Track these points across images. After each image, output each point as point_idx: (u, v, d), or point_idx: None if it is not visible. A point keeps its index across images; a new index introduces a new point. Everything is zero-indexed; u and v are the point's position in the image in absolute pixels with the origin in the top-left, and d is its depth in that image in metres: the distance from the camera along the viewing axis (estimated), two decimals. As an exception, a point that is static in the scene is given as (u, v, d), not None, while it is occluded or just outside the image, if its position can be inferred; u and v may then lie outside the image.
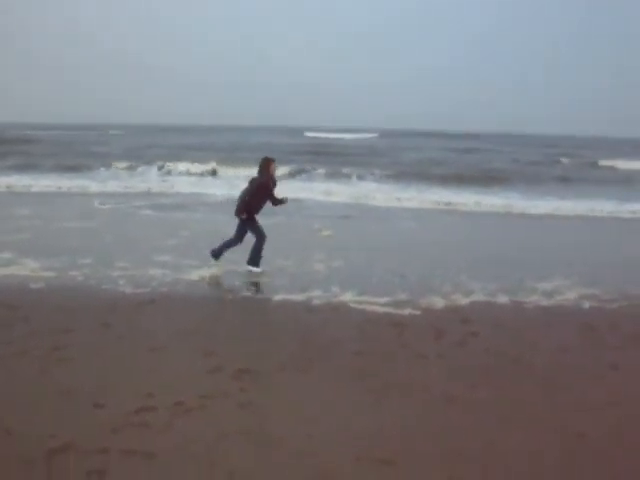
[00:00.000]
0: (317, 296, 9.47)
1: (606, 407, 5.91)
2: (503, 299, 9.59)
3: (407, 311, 8.79)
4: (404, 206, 21.70)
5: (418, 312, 8.77)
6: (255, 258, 11.19)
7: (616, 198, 24.54)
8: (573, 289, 10.26)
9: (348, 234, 15.41)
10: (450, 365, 6.86)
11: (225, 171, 32.90)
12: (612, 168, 42.70)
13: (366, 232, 15.87)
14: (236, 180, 25.76)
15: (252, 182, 11.39)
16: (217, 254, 11.46)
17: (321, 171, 33.36)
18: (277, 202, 11.43)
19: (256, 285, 10.11)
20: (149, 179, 29.34)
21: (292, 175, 31.76)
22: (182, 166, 33.84)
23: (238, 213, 11.22)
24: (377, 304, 9.08)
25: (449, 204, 22.30)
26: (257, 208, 11.32)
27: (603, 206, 22.12)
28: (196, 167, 33.78)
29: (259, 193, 11.20)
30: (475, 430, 5.35)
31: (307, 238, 12.21)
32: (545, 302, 9.55)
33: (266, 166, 11.32)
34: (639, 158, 49.02)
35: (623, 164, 44.21)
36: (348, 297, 9.43)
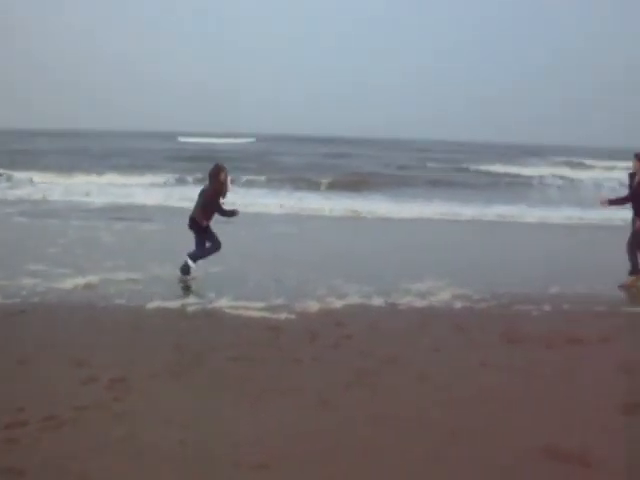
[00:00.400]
0: (192, 303, 9.39)
1: (477, 403, 6.11)
2: (377, 301, 9.76)
3: (282, 315, 8.82)
4: (273, 212, 21.63)
5: (293, 316, 8.82)
6: (198, 256, 11.05)
7: (484, 201, 25.43)
8: (445, 290, 10.54)
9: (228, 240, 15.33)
10: (325, 368, 6.94)
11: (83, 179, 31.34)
12: (484, 172, 43.88)
13: (240, 238, 15.80)
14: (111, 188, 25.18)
15: (201, 193, 11.20)
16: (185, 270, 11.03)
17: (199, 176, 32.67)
18: (226, 213, 11.30)
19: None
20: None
21: (171, 184, 30.90)
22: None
23: (198, 221, 11.00)
24: (253, 309, 9.07)
25: (318, 210, 22.40)
26: (208, 217, 11.11)
27: (471, 209, 22.80)
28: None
29: (211, 202, 11.04)
30: (350, 431, 5.42)
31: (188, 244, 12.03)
32: (418, 303, 9.78)
33: (216, 174, 11.12)
34: (513, 163, 50.86)
35: (496, 168, 45.48)
36: (224, 303, 9.38)
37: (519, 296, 10.34)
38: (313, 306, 9.36)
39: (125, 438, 5.16)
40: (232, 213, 11.35)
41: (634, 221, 11.62)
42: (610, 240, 12.16)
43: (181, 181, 31.99)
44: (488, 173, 43.60)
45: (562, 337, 8.26)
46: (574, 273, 12.03)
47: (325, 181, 32.30)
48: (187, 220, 11.19)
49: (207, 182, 11.32)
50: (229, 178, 11.39)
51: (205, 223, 11.08)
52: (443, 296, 10.18)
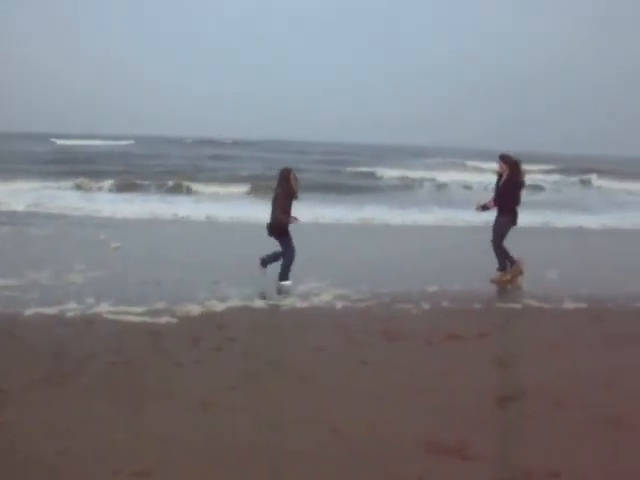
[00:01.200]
0: (71, 309, 9.13)
1: (359, 401, 6.20)
2: (259, 303, 9.78)
3: (164, 319, 8.70)
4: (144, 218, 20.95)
5: (175, 320, 8.71)
6: (285, 272, 11.21)
7: (356, 203, 25.89)
8: (327, 291, 10.64)
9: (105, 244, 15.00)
10: (208, 371, 6.90)
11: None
12: (360, 174, 44.15)
13: (119, 241, 15.47)
14: None
15: (275, 199, 11.37)
16: (283, 277, 11.27)
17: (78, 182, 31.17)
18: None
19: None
20: None
21: (39, 188, 29.35)
22: None
23: (284, 221, 11.22)
24: (133, 314, 8.90)
25: (210, 217, 22.00)
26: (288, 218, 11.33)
27: (345, 211, 23.04)
28: None
29: (286, 204, 11.26)
30: (233, 434, 5.40)
31: (65, 250, 11.72)
32: (300, 304, 9.85)
33: (285, 177, 11.33)
34: (390, 165, 51.33)
35: (401, 172, 44.72)
36: (104, 308, 9.16)
37: (398, 295, 10.55)
38: (195, 309, 9.26)
39: (3, 451, 4.99)
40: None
41: (495, 220, 12.14)
42: (481, 240, 12.52)
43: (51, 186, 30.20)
44: (364, 175, 43.86)
45: (441, 334, 8.48)
46: (451, 272, 12.33)
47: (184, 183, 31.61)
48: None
49: (277, 187, 11.46)
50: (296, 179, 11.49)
51: (292, 221, 11.29)
52: (324, 297, 10.27)
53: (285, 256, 11.31)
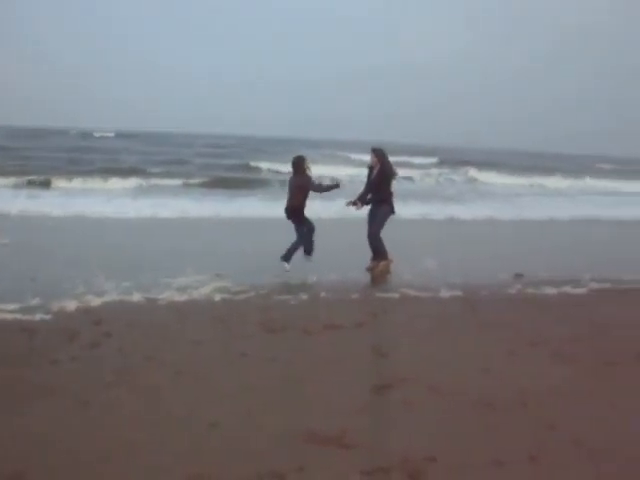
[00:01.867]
0: (-63, 308, 8.74)
1: (237, 394, 6.21)
2: (137, 297, 9.61)
3: (38, 316, 8.43)
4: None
5: (49, 316, 8.46)
6: (290, 254, 12.00)
7: (227, 196, 25.77)
8: (206, 284, 10.57)
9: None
10: (84, 368, 6.74)
11: None
12: (260, 169, 43.30)
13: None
14: None
15: (291, 186, 12.31)
16: (287, 258, 11.96)
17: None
18: (323, 188, 12.28)
19: None
20: None
21: None
22: None
23: (298, 205, 12.15)
24: (5, 311, 8.56)
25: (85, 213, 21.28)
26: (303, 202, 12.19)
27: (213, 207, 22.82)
28: None
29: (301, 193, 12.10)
30: (112, 432, 5.29)
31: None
32: (178, 298, 9.74)
33: (300, 164, 12.15)
34: (269, 159, 50.63)
35: (271, 165, 43.77)
36: (-28, 306, 8.82)
37: (277, 286, 10.62)
38: (71, 305, 9.01)
39: None
40: (329, 187, 12.38)
41: (371, 212, 12.47)
42: (359, 231, 12.69)
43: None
44: (240, 167, 43.19)
45: (319, 324, 8.57)
46: (328, 263, 12.44)
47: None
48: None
49: (292, 174, 12.40)
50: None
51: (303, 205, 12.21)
52: (203, 290, 10.21)
53: (297, 239, 12.16)
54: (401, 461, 4.90)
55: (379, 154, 12.46)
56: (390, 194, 12.45)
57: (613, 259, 15.24)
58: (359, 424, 5.60)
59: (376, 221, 12.37)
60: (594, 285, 11.82)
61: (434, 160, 59.04)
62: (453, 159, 61.12)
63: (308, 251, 12.27)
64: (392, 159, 12.87)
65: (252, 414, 5.74)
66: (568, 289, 11.43)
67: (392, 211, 12.44)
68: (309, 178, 12.13)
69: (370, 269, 12.25)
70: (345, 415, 5.77)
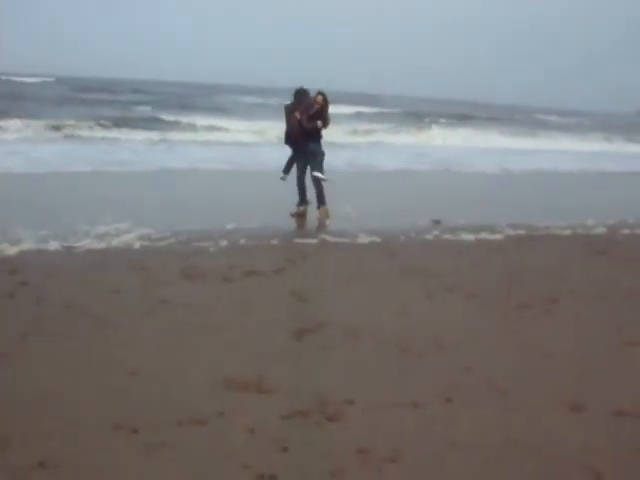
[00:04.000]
0: None
1: (155, 341, 6.19)
2: (54, 245, 9.42)
3: (-51, 266, 8.23)
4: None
5: (-39, 266, 8.26)
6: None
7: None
8: (126, 231, 10.44)
9: None
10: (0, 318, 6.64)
11: None
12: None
13: None
14: None
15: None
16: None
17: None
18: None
19: None
20: None
21: None
22: None
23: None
24: None
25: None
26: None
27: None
28: None
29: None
30: (30, 383, 5.21)
31: None
32: (97, 245, 9.61)
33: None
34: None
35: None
36: None
37: (197, 233, 10.55)
38: (-17, 255, 8.80)
39: None
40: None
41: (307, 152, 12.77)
42: (271, 182, 12.68)
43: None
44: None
45: (239, 270, 8.59)
46: (247, 211, 12.41)
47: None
48: None
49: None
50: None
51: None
52: (122, 237, 10.08)
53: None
54: (319, 404, 5.00)
55: (326, 97, 12.88)
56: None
57: (528, 208, 15.60)
58: (278, 369, 5.67)
59: (318, 162, 12.80)
60: (510, 231, 12.13)
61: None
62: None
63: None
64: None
65: (172, 361, 5.75)
66: (485, 235, 11.69)
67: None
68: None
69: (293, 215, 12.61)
70: (264, 361, 5.84)
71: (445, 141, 36.17)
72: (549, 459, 4.43)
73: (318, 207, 12.65)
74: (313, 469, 4.14)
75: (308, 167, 12.72)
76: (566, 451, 4.55)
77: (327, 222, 12.31)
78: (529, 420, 4.98)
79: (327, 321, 6.88)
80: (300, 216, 12.65)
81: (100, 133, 28.19)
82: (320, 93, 12.88)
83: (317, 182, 12.61)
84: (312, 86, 13.25)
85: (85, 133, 27.80)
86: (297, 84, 13.34)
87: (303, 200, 12.80)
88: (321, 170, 12.59)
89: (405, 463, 4.26)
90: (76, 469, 4.03)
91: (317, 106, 12.72)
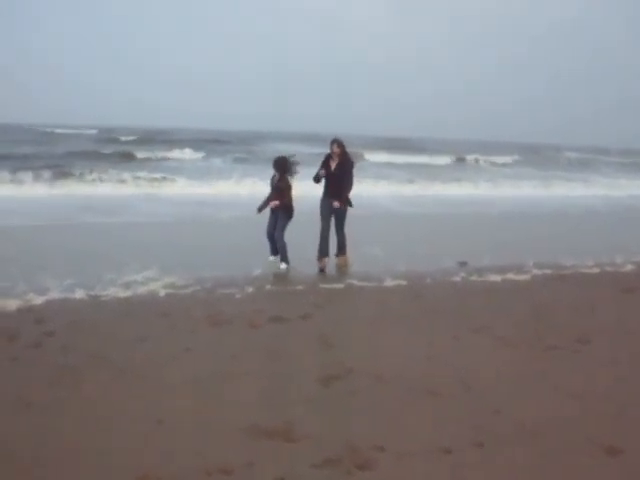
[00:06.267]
0: None
1: (181, 390, 6.13)
2: (79, 294, 9.42)
3: (-24, 317, 8.24)
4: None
5: (-12, 317, 8.27)
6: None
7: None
8: (151, 279, 10.42)
9: None
10: (25, 369, 6.59)
11: None
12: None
13: None
14: None
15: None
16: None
17: None
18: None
19: None
20: None
21: None
22: None
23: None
24: (-59, 314, 8.36)
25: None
26: None
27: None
28: None
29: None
30: (55, 434, 5.18)
31: None
32: (122, 294, 9.59)
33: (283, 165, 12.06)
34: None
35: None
36: None
37: (223, 280, 10.53)
38: (11, 304, 8.79)
39: None
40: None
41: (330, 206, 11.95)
42: (302, 223, 12.53)
43: None
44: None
45: (265, 316, 8.55)
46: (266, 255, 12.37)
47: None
48: None
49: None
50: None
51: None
52: (148, 286, 10.07)
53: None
54: (349, 452, 4.91)
55: (341, 145, 11.95)
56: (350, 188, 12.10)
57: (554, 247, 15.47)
58: (306, 417, 5.60)
59: (340, 218, 12.15)
60: (536, 271, 12.03)
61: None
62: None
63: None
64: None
65: (198, 410, 5.69)
66: (511, 275, 11.60)
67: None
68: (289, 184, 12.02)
69: (338, 265, 12.26)
70: (291, 408, 5.77)
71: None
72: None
73: (337, 255, 12.27)
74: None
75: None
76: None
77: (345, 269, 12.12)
78: (564, 465, 4.86)
79: (354, 366, 6.81)
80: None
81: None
82: (335, 141, 11.97)
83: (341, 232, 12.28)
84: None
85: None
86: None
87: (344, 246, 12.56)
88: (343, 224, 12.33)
89: (438, 512, 4.16)
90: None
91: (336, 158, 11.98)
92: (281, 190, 11.86)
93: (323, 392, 6.22)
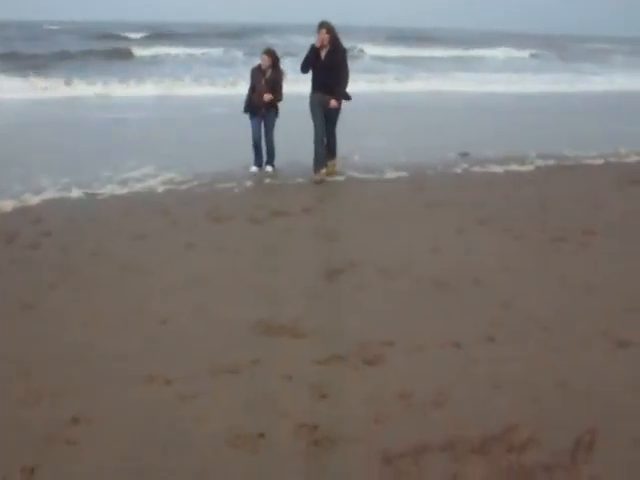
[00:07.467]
0: None
1: (185, 286, 6.04)
2: (76, 193, 9.25)
3: (-29, 218, 8.07)
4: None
5: (-16, 218, 8.10)
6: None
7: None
8: (148, 175, 10.26)
9: None
10: (25, 270, 6.46)
11: None
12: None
13: None
14: None
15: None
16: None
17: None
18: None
19: None
20: None
21: None
22: None
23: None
24: None
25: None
26: None
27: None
28: None
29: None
30: (57, 335, 5.08)
31: None
32: (120, 191, 9.43)
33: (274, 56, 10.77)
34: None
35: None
36: None
37: (221, 174, 10.34)
38: (7, 205, 8.61)
39: None
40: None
41: (322, 103, 10.32)
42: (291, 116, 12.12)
43: None
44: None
45: (266, 211, 8.42)
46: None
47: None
48: None
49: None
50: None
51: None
52: (146, 182, 9.90)
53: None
54: (357, 347, 4.83)
55: (331, 30, 10.20)
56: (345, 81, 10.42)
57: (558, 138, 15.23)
58: (312, 311, 5.53)
59: (333, 117, 10.46)
60: (540, 162, 11.84)
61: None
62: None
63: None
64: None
65: (202, 307, 5.59)
66: (514, 167, 11.42)
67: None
68: (282, 73, 10.89)
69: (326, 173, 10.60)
70: (297, 303, 5.69)
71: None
72: (597, 399, 4.24)
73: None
74: (356, 416, 3.97)
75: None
76: (614, 390, 4.35)
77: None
78: (574, 358, 4.78)
79: (359, 260, 6.70)
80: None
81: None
82: (323, 24, 10.20)
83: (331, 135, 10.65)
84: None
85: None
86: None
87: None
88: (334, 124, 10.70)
89: (450, 407, 4.09)
90: (110, 424, 3.89)
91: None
92: (276, 83, 10.70)
93: (328, 287, 6.13)
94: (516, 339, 5.04)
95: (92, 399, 4.16)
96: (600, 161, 12.28)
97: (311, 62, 10.28)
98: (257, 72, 10.76)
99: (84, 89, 22.62)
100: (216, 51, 41.60)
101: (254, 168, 10.86)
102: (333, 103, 10.25)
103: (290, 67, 11.71)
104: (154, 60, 35.80)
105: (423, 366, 4.61)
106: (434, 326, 5.24)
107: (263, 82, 10.62)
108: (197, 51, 41.20)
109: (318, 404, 4.11)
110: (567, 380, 4.45)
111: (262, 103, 10.61)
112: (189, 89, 23.60)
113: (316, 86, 10.41)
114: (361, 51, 42.62)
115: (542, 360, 4.74)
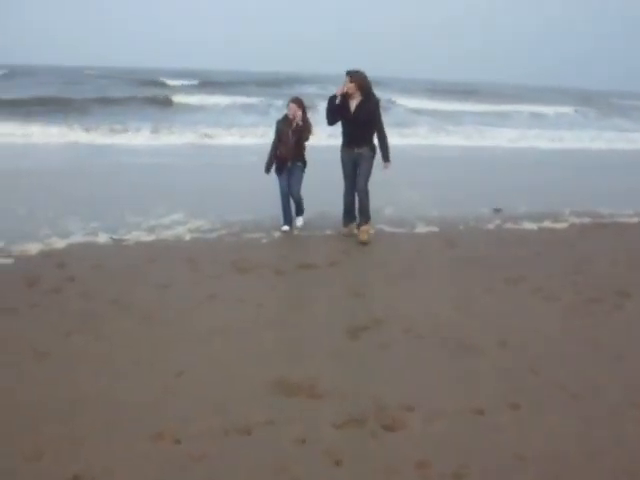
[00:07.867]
0: None
1: (205, 338, 5.91)
2: (103, 238, 9.22)
3: (-2, 260, 8.06)
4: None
5: (10, 261, 8.05)
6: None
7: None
8: (176, 223, 10.21)
9: None
10: (44, 315, 6.38)
11: None
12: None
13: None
14: None
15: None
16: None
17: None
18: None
19: None
20: None
21: None
22: None
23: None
24: (-39, 256, 8.19)
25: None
26: None
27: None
28: None
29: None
30: (72, 384, 4.98)
31: None
32: (146, 238, 9.38)
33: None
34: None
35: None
36: None
37: (249, 224, 10.26)
38: (33, 248, 8.60)
39: None
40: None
41: (356, 158, 9.71)
42: (326, 165, 11.98)
43: None
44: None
45: (292, 263, 8.30)
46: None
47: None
48: None
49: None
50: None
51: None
52: (173, 229, 9.84)
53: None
54: (376, 411, 4.66)
55: (358, 79, 9.42)
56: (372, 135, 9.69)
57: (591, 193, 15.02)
58: (331, 371, 5.35)
59: (364, 171, 9.70)
60: (574, 219, 11.64)
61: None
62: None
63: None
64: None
65: (220, 361, 5.46)
66: (548, 224, 11.23)
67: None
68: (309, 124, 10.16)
69: (357, 234, 9.88)
70: (317, 361, 5.52)
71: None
72: (626, 475, 4.01)
73: (360, 224, 9.87)
74: (370, 487, 3.79)
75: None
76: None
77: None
78: (606, 429, 4.56)
79: (384, 318, 6.53)
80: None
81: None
82: (350, 73, 9.47)
83: (362, 193, 9.80)
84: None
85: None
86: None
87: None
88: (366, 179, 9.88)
89: (470, 479, 3.89)
90: (113, 484, 3.74)
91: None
92: (306, 133, 10.06)
93: (350, 345, 5.95)
94: (543, 407, 4.83)
95: (97, 455, 4.03)
96: (635, 219, 12.04)
97: (336, 112, 9.56)
98: (283, 123, 10.24)
99: (120, 135, 22.85)
100: (256, 100, 41.95)
101: (286, 227, 10.21)
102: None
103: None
104: (192, 108, 36.21)
105: (443, 434, 4.41)
106: (457, 390, 5.04)
107: (290, 134, 10.08)
108: (236, 100, 41.60)
109: (331, 471, 3.94)
110: (595, 453, 4.23)
111: (290, 154, 10.11)
112: (225, 137, 23.70)
113: (346, 140, 9.79)
114: (393, 102, 42.62)
115: (570, 431, 4.53)
